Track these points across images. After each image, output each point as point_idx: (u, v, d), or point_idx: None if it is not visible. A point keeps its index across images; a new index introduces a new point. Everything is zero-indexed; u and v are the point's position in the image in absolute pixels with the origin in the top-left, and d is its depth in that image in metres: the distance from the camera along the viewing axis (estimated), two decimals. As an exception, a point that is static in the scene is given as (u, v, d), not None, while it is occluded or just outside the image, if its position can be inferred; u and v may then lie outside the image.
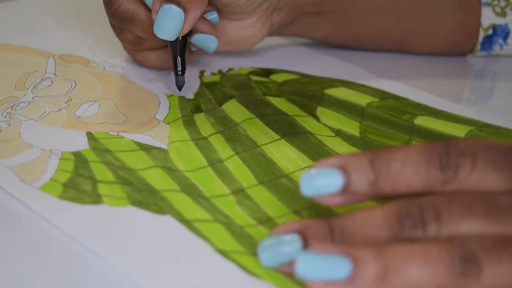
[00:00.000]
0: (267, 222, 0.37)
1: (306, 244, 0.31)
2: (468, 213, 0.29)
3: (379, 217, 0.30)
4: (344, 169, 0.31)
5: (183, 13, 0.45)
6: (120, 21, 0.47)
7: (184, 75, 0.48)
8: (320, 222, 0.31)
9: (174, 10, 0.45)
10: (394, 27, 0.57)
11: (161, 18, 0.45)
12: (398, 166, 0.30)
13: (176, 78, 0.48)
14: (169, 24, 0.45)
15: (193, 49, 0.51)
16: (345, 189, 0.31)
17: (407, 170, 0.30)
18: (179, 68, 0.47)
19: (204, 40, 0.48)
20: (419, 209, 0.30)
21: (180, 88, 0.48)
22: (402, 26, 0.57)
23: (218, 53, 0.52)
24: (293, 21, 0.54)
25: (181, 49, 0.47)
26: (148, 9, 0.47)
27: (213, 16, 0.50)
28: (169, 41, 0.47)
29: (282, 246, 0.31)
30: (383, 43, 0.58)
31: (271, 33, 0.53)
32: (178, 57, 0.47)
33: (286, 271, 0.32)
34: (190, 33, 0.47)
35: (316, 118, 0.48)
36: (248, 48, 0.54)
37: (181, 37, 0.47)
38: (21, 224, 0.36)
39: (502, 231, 0.29)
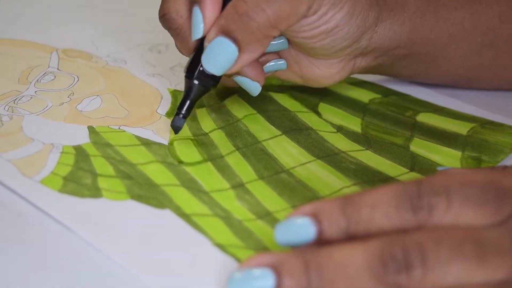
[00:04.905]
0: (266, 216, 0.37)
1: (279, 282, 0.29)
2: (456, 255, 0.28)
3: (360, 258, 0.28)
4: (316, 218, 0.30)
5: (237, 52, 0.40)
6: (165, 27, 0.43)
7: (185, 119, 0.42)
8: (295, 257, 0.29)
9: (227, 46, 0.40)
10: (490, 64, 0.50)
11: (212, 49, 0.40)
12: (368, 211, 0.29)
13: (175, 118, 0.42)
14: (219, 58, 0.40)
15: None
16: (319, 238, 0.30)
17: (378, 215, 0.29)
18: (184, 111, 0.41)
19: (248, 85, 0.44)
20: (404, 251, 0.28)
21: (176, 130, 0.42)
22: (500, 61, 0.50)
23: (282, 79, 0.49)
24: (380, 64, 0.47)
25: (196, 95, 0.42)
26: None
27: (281, 41, 0.44)
28: (187, 80, 0.42)
29: (253, 282, 0.29)
30: (475, 82, 0.52)
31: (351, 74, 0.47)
32: (188, 101, 0.42)
33: None
34: (218, 80, 0.42)
35: (318, 114, 0.48)
36: (320, 86, 0.47)
37: (203, 85, 0.41)
38: (21, 218, 0.36)
39: (490, 277, 0.28)
